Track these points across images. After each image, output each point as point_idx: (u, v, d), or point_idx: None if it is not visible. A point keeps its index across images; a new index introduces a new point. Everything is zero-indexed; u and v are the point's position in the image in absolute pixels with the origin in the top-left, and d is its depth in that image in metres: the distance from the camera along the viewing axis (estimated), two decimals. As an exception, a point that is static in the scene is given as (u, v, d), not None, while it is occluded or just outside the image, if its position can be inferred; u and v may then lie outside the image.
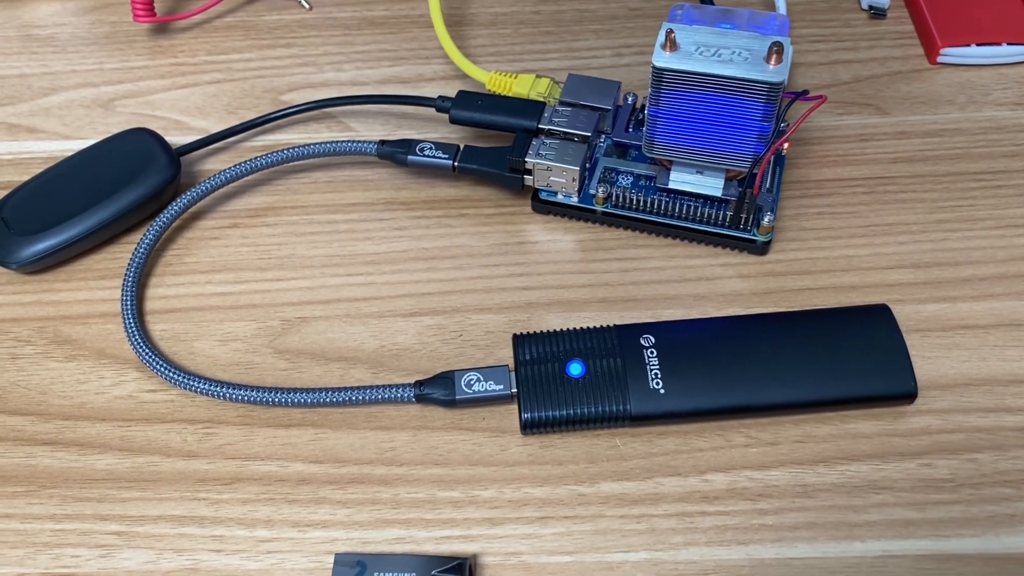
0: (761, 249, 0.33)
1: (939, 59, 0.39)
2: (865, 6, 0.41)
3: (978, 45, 0.38)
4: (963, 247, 0.33)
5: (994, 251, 0.33)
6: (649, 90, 0.30)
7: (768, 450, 0.28)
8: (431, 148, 0.34)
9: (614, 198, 0.33)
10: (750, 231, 0.32)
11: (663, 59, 0.29)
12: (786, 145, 0.32)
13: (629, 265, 0.33)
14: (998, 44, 0.38)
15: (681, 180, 0.33)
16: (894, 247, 0.33)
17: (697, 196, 0.33)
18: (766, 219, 0.32)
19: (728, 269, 0.33)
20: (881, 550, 0.26)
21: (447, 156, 0.34)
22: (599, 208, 0.34)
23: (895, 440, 0.29)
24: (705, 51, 0.29)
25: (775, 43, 0.29)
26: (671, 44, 0.29)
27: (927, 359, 0.30)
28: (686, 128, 0.31)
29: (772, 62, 0.29)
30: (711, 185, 0.33)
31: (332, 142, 0.35)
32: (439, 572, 0.26)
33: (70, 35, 0.42)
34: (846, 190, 0.35)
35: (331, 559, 0.27)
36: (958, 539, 0.27)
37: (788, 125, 0.32)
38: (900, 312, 0.30)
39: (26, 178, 0.36)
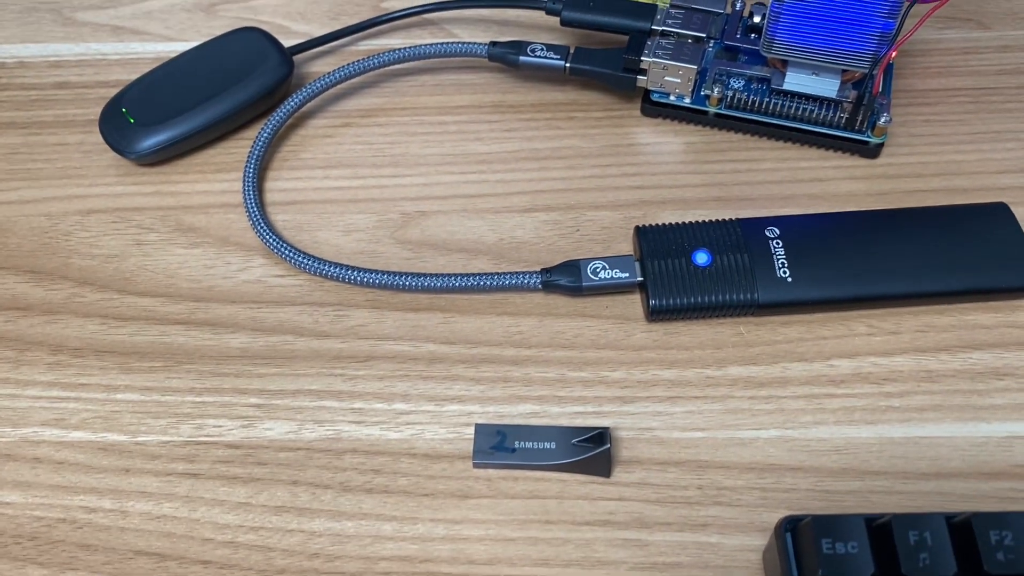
0: (873, 152, 0.33)
1: (1040, -24, 0.39)
2: (962, -75, 0.41)
3: (1080, -38, 0.38)
4: (1072, 154, 0.33)
5: (1103, 158, 0.33)
6: (774, -14, 0.31)
7: (891, 338, 0.29)
8: (542, 49, 0.35)
9: (728, 99, 0.34)
10: (864, 132, 0.33)
11: (793, -47, 0.30)
12: (893, 54, 0.32)
13: (742, 166, 0.33)
14: (1100, -39, 0.38)
15: (797, 81, 0.33)
16: (1003, 153, 0.33)
17: (811, 98, 0.33)
18: (882, 119, 0.32)
19: (841, 171, 0.33)
20: (1007, 431, 0.27)
21: (559, 57, 0.34)
22: (712, 109, 0.34)
23: (1015, 331, 0.29)
24: (834, -54, 0.30)
25: (907, -63, 0.29)
26: (800, -62, 0.30)
27: (1042, 257, 0.31)
28: (809, 25, 0.31)
29: (902, -44, 0.29)
30: (827, 86, 0.33)
31: (444, 43, 0.35)
32: (579, 441, 0.26)
33: (165, -57, 0.42)
34: (951, 99, 0.35)
35: (469, 430, 0.27)
36: (1082, 423, 0.27)
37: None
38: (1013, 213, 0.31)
39: (134, 77, 0.36)
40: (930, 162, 0.33)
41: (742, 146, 0.34)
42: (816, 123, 0.33)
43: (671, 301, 0.29)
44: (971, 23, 0.38)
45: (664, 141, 0.34)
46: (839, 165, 0.33)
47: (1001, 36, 0.37)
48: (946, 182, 0.33)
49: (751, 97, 0.33)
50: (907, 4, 0.30)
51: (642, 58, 0.33)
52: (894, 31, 0.30)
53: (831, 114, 0.33)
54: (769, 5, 0.31)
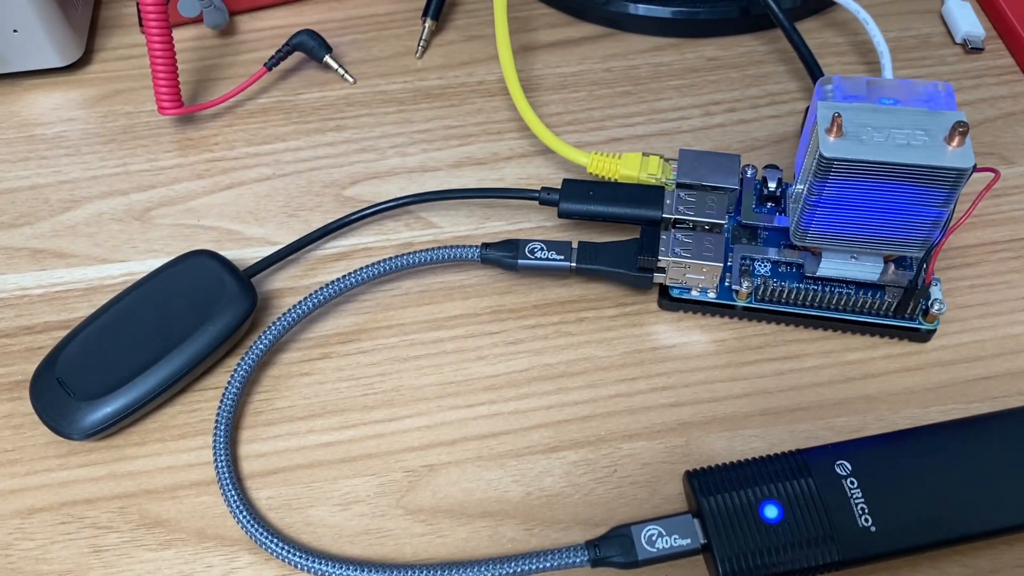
0: (924, 337, 0.30)
1: (1053, 96, 0.36)
2: (959, 40, 0.38)
3: (1092, 78, 0.36)
4: None
5: None
6: (810, 177, 0.27)
7: (991, 580, 0.26)
8: (542, 249, 0.30)
9: (758, 291, 0.30)
10: (915, 319, 0.29)
11: (831, 148, 0.26)
12: (947, 240, 0.29)
13: (783, 366, 0.30)
14: (1113, 76, 0.36)
15: (833, 267, 0.29)
16: (1061, 319, 0.30)
17: (851, 283, 0.30)
18: (935, 307, 0.29)
19: (892, 362, 0.30)
20: None
21: (562, 257, 0.30)
22: (741, 303, 0.30)
23: (1123, 553, 0.26)
24: (875, 134, 0.26)
25: (959, 123, 0.26)
26: (837, 128, 0.26)
27: None
28: (850, 217, 0.27)
29: (955, 144, 0.26)
30: (868, 271, 0.29)
31: (429, 250, 0.31)
32: None
33: (81, 132, 0.37)
34: (992, 256, 0.32)
35: None
36: None
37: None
38: (1089, 397, 0.28)
39: (64, 316, 0.31)
40: (986, 340, 0.30)
41: (779, 339, 0.30)
42: (860, 311, 0.30)
43: (744, 567, 0.25)
44: (993, 157, 0.35)
45: (691, 341, 0.30)
46: (888, 354, 0.30)
47: (1027, 171, 0.34)
48: (1008, 363, 0.29)
49: (783, 285, 0.30)
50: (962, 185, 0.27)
51: (659, 257, 0.29)
52: (947, 217, 0.27)
53: (875, 300, 0.29)
54: (802, 197, 0.28)
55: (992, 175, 0.28)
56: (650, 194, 0.31)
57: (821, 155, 0.26)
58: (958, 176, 0.26)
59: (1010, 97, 0.37)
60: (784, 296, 0.30)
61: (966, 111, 0.36)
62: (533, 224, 0.33)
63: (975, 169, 0.28)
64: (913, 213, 0.27)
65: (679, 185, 0.31)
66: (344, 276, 0.30)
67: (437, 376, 0.30)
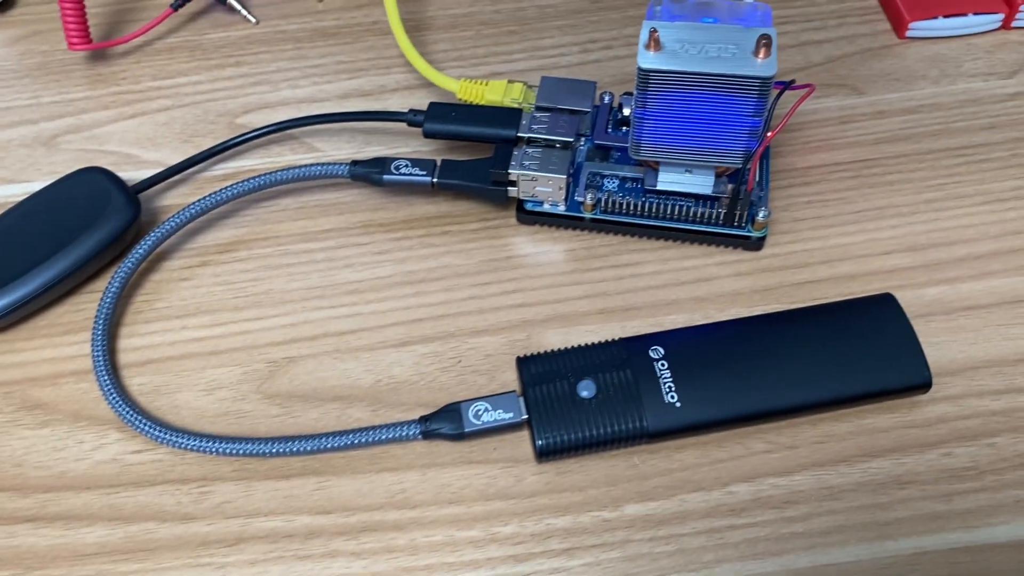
0: (756, 244, 0.32)
1: (908, 33, 0.38)
2: (827, -17, 0.40)
3: (945, 17, 0.38)
4: (955, 225, 0.33)
5: (986, 227, 0.33)
6: (635, 92, 0.29)
7: (789, 454, 0.28)
8: (407, 165, 0.33)
9: (602, 204, 0.32)
10: (745, 227, 0.32)
11: (648, 60, 0.28)
12: (763, 148, 0.31)
13: (624, 272, 0.32)
14: (964, 15, 0.38)
15: (670, 180, 0.32)
16: (888, 231, 0.33)
17: (687, 195, 0.32)
18: (760, 215, 0.31)
19: (725, 268, 0.32)
20: (914, 548, 0.26)
21: (425, 172, 0.33)
22: (587, 215, 0.32)
23: (913, 432, 0.28)
24: (690, 48, 0.28)
25: (762, 35, 0.28)
26: (655, 43, 0.28)
27: (934, 345, 0.30)
28: (675, 128, 0.30)
29: (760, 56, 0.28)
30: (701, 183, 0.32)
31: (301, 166, 0.33)
32: (470, 620, 0.24)
33: (-1, 69, 0.39)
34: (832, 176, 0.34)
35: (353, 616, 0.25)
36: (988, 528, 0.26)
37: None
38: (902, 298, 0.30)
39: (-31, 229, 0.34)
40: (815, 248, 0.32)
41: (623, 249, 0.33)
42: (695, 221, 0.32)
43: (558, 439, 0.27)
44: (845, 88, 0.37)
45: (543, 250, 0.33)
46: (723, 261, 0.32)
47: (876, 101, 0.36)
48: (832, 269, 0.32)
49: (626, 198, 0.32)
50: (774, 96, 0.29)
51: (509, 171, 0.32)
52: (763, 126, 0.29)
53: (709, 210, 0.32)
54: (632, 112, 0.30)
55: (807, 89, 0.30)
56: (508, 115, 0.33)
57: (639, 68, 0.28)
58: (763, 84, 0.28)
59: (870, 35, 0.39)
60: (626, 208, 0.32)
61: (829, 47, 0.38)
62: (410, 149, 0.36)
63: (791, 86, 0.30)
64: (730, 123, 0.29)
65: (537, 108, 0.33)
66: (222, 189, 0.33)
67: (305, 281, 0.32)
